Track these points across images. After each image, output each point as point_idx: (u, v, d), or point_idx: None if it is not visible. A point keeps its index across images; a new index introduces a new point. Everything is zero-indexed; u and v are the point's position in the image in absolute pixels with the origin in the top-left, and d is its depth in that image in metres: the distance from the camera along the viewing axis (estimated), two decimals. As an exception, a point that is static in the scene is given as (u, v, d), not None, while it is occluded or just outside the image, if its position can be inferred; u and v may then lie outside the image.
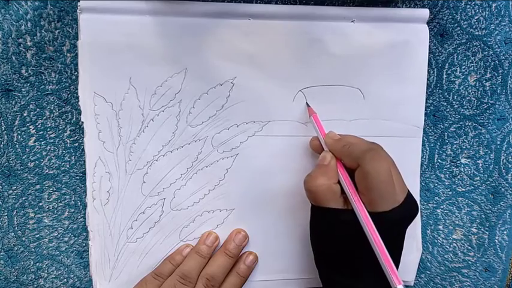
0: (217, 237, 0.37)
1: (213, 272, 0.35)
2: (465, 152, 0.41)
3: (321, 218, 0.32)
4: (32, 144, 0.36)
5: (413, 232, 0.40)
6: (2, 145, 0.36)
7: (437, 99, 0.40)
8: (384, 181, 0.29)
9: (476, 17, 0.39)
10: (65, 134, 0.37)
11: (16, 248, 0.37)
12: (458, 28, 0.39)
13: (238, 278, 0.36)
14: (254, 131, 0.37)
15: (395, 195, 0.30)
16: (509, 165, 0.41)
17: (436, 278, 0.41)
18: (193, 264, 0.35)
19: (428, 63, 0.38)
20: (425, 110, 0.39)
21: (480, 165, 0.41)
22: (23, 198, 0.37)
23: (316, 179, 0.32)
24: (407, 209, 0.30)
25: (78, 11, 0.34)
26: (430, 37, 0.38)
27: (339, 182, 0.32)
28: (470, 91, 0.40)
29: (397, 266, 0.31)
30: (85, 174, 0.36)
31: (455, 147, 0.41)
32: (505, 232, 0.42)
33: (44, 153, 0.37)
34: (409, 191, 0.31)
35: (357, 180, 0.31)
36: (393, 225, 0.30)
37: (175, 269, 0.36)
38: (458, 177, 0.41)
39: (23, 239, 0.37)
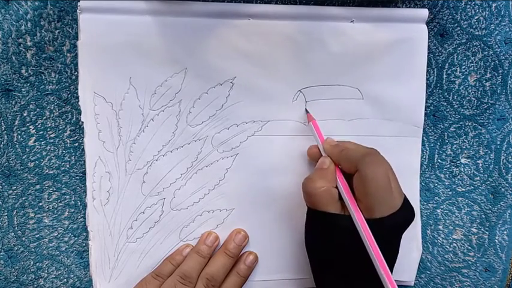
0: (217, 237, 0.37)
1: (213, 272, 0.35)
2: (465, 152, 0.41)
3: (318, 222, 0.32)
4: (32, 144, 0.36)
5: (413, 232, 0.40)
6: (2, 145, 0.36)
7: (437, 99, 0.40)
8: (381, 186, 0.29)
9: (476, 17, 0.39)
10: (65, 134, 0.37)
11: (16, 248, 0.37)
12: (458, 28, 0.39)
13: (239, 278, 0.36)
14: (254, 131, 0.37)
15: (393, 200, 0.29)
16: (509, 165, 0.41)
17: (436, 278, 0.41)
18: (194, 264, 0.35)
19: (428, 63, 0.38)
20: (425, 110, 0.39)
21: (480, 165, 0.41)
22: (23, 198, 0.37)
23: (315, 181, 0.31)
24: (404, 214, 0.30)
25: (78, 11, 0.34)
26: (430, 37, 0.38)
27: (337, 188, 0.32)
28: (470, 91, 0.40)
29: (391, 271, 0.31)
30: (85, 174, 0.36)
31: (455, 147, 0.41)
32: (505, 232, 0.42)
33: (44, 153, 0.37)
34: (405, 196, 0.31)
35: (354, 186, 0.31)
36: (390, 231, 0.30)
37: (176, 269, 0.36)
38: (458, 177, 0.41)
39: (23, 239, 0.37)
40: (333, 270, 0.31)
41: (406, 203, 0.31)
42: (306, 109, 0.37)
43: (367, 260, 0.29)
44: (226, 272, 0.36)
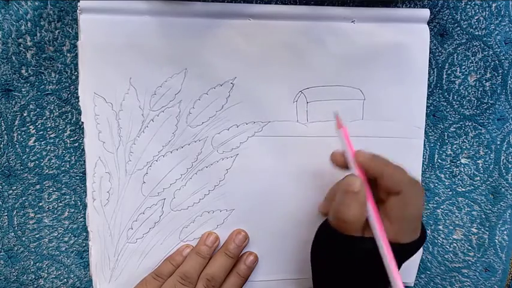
0: (217, 238, 0.37)
1: (214, 273, 0.35)
2: (465, 152, 0.41)
3: (338, 244, 0.30)
4: (32, 144, 0.36)
5: (414, 232, 0.40)
6: (2, 145, 0.36)
7: (437, 99, 0.40)
8: (418, 216, 0.30)
9: (476, 17, 0.39)
10: (65, 134, 0.37)
11: (16, 248, 0.37)
12: (458, 28, 0.39)
13: (239, 278, 0.36)
14: (254, 132, 0.37)
15: (418, 228, 0.30)
16: (509, 165, 0.41)
17: (436, 278, 0.41)
18: (194, 264, 0.35)
19: (428, 63, 0.38)
20: (426, 110, 0.39)
21: (480, 165, 0.41)
22: (23, 198, 0.37)
23: (351, 208, 0.29)
24: (421, 241, 0.31)
25: (78, 11, 0.34)
26: (430, 37, 0.38)
27: None
28: (470, 91, 0.40)
29: None
30: (85, 174, 0.36)
31: (455, 147, 0.41)
32: (505, 232, 0.42)
33: (44, 153, 0.37)
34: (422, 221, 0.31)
35: (391, 207, 0.29)
36: (407, 257, 0.30)
37: (176, 269, 0.36)
38: (458, 177, 0.41)
39: (23, 239, 0.37)
40: None
41: (423, 229, 0.31)
42: (337, 114, 0.33)
43: (383, 283, 0.29)
44: (227, 273, 0.36)
